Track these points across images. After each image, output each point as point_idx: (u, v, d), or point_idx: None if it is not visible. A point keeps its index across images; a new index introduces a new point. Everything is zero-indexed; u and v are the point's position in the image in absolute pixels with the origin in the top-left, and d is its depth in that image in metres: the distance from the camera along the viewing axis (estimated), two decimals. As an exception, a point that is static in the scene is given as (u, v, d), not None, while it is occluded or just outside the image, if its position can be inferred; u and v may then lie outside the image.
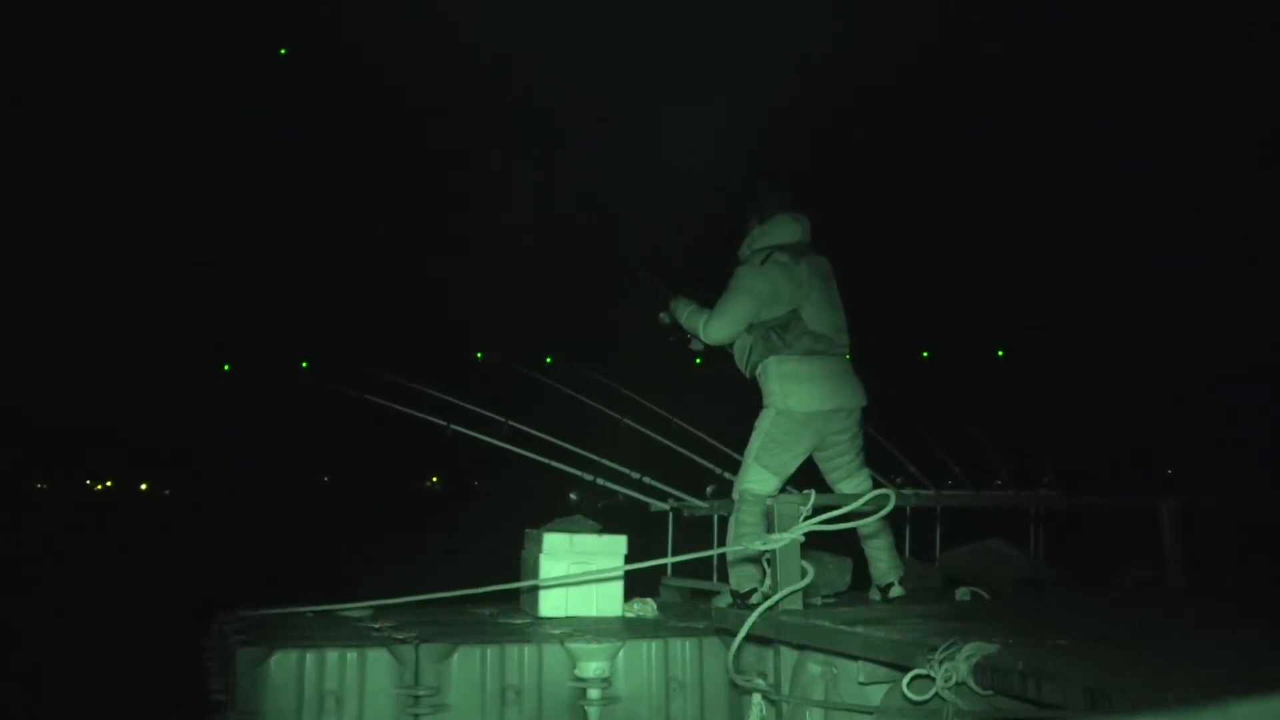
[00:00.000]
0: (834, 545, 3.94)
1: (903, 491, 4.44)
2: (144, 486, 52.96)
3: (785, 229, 4.28)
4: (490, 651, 3.53)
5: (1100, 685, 1.96)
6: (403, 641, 3.49)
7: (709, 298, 4.32)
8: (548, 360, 5.83)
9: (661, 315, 4.49)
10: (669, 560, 4.71)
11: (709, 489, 5.18)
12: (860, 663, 2.78)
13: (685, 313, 4.37)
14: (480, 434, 5.07)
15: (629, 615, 4.46)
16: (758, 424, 4.17)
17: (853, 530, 3.47)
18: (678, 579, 5.26)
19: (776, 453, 4.10)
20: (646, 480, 5.28)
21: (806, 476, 4.19)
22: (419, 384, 5.13)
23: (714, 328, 4.23)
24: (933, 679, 2.30)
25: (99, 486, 52.48)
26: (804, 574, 3.10)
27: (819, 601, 4.00)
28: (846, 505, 3.06)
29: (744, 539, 3.76)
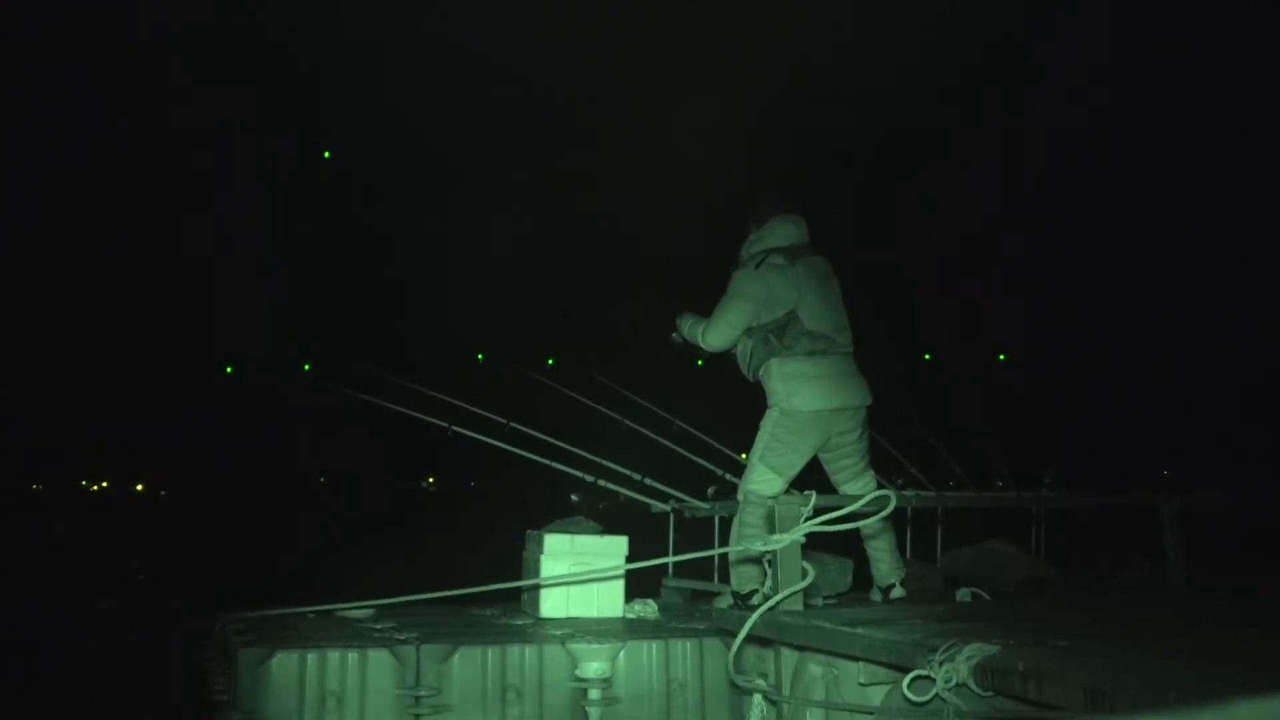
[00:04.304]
0: (836, 546, 3.94)
1: (904, 492, 4.44)
2: (140, 487, 52.85)
3: (781, 231, 4.28)
4: (491, 652, 3.54)
5: (1100, 685, 1.97)
6: (404, 642, 3.49)
7: (710, 305, 4.32)
8: (549, 361, 5.84)
9: (673, 336, 4.51)
10: (670, 560, 4.72)
11: (710, 490, 5.18)
12: (861, 664, 2.79)
13: (687, 325, 4.39)
14: (482, 435, 5.08)
15: (630, 616, 4.46)
16: (762, 425, 4.17)
17: (854, 531, 3.48)
18: (679, 580, 5.27)
19: (781, 453, 4.10)
20: (648, 481, 5.28)
21: (808, 477, 4.19)
22: (420, 385, 5.14)
23: (712, 334, 4.24)
24: (933, 680, 2.31)
25: (95, 487, 52.36)
26: (805, 575, 3.11)
27: (820, 602, 4.00)
28: (848, 506, 3.06)
29: (746, 540, 3.77)
